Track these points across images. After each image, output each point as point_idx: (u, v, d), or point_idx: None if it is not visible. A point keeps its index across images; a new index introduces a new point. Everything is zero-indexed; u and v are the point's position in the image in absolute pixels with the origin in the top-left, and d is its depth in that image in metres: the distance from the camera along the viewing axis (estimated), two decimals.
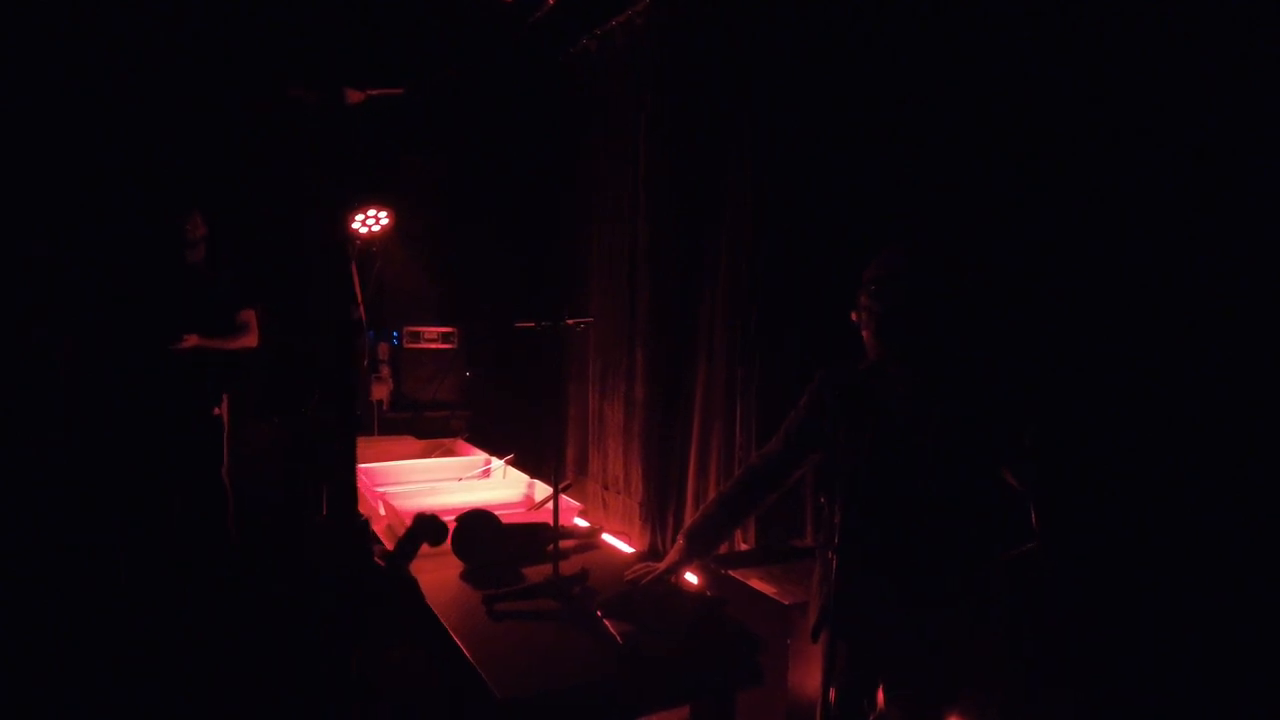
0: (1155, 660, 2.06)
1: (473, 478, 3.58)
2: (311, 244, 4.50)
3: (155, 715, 2.83)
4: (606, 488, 4.62)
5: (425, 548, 2.31)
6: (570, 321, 2.22)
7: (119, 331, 3.70)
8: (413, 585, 2.13)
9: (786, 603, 2.54)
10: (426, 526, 2.30)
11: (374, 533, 2.80)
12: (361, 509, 2.99)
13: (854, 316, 1.88)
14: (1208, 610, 1.97)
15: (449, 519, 2.41)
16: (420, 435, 4.70)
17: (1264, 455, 1.90)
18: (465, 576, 2.34)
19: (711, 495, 2.85)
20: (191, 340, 3.66)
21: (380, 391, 5.34)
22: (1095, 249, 2.23)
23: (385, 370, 5.56)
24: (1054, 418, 2.19)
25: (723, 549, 2.93)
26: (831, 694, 1.69)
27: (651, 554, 3.94)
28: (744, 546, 3.35)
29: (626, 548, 4.12)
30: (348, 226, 4.32)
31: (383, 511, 3.01)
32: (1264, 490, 1.90)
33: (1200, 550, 1.99)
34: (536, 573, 2.32)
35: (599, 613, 2.00)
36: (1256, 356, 1.93)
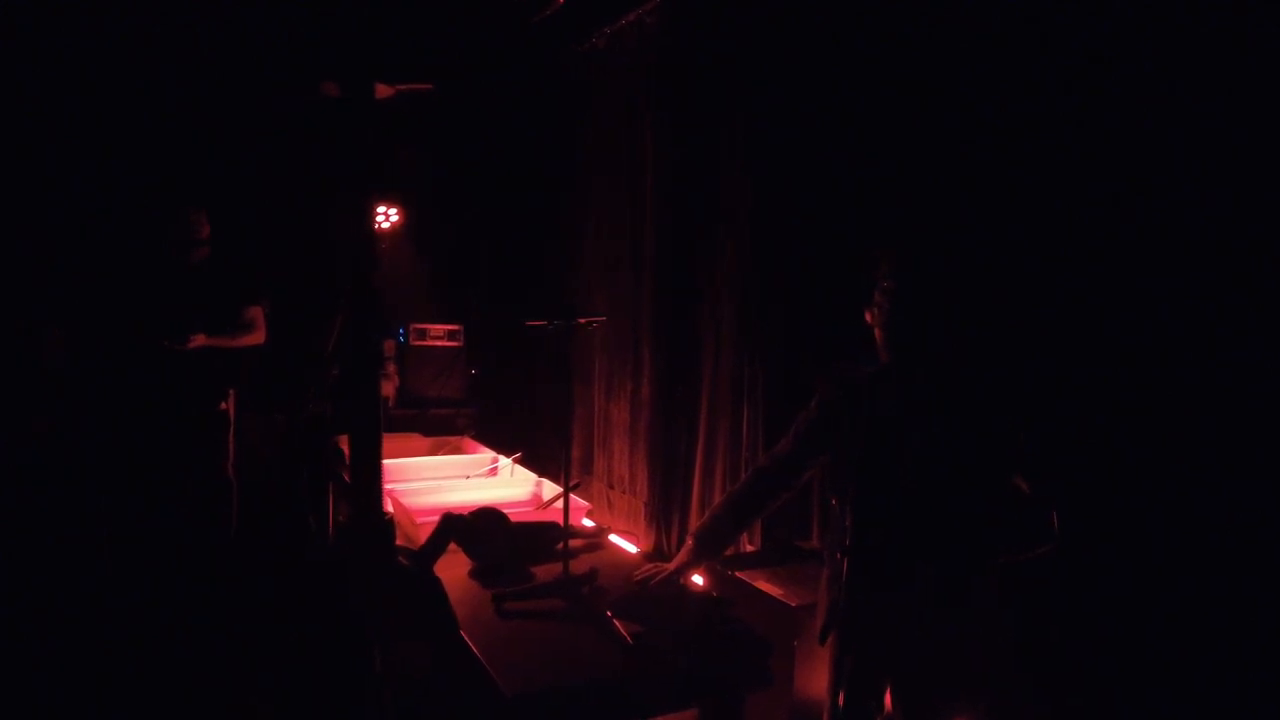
0: (1168, 667, 2.05)
1: (480, 476, 3.58)
2: (339, 243, 4.49)
3: (166, 714, 2.83)
4: (612, 487, 4.62)
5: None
6: (582, 320, 2.22)
7: (126, 331, 3.71)
8: (437, 584, 2.12)
9: (793, 604, 2.54)
10: (454, 525, 2.29)
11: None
12: None
13: (868, 317, 1.87)
14: (1222, 615, 1.96)
15: None
16: (427, 433, 4.70)
17: None
18: (474, 575, 2.34)
19: (718, 496, 2.85)
20: (199, 339, 3.67)
21: (386, 389, 5.35)
22: (1113, 250, 2.22)
23: (391, 367, 5.58)
24: (1067, 422, 2.18)
25: (730, 550, 2.92)
26: (840, 697, 1.68)
27: (657, 554, 3.94)
28: (750, 548, 3.34)
29: (632, 548, 4.10)
30: (374, 224, 4.33)
31: (390, 509, 3.01)
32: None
33: (1214, 556, 1.98)
34: (544, 572, 2.32)
35: (609, 613, 1.99)
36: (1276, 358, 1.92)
